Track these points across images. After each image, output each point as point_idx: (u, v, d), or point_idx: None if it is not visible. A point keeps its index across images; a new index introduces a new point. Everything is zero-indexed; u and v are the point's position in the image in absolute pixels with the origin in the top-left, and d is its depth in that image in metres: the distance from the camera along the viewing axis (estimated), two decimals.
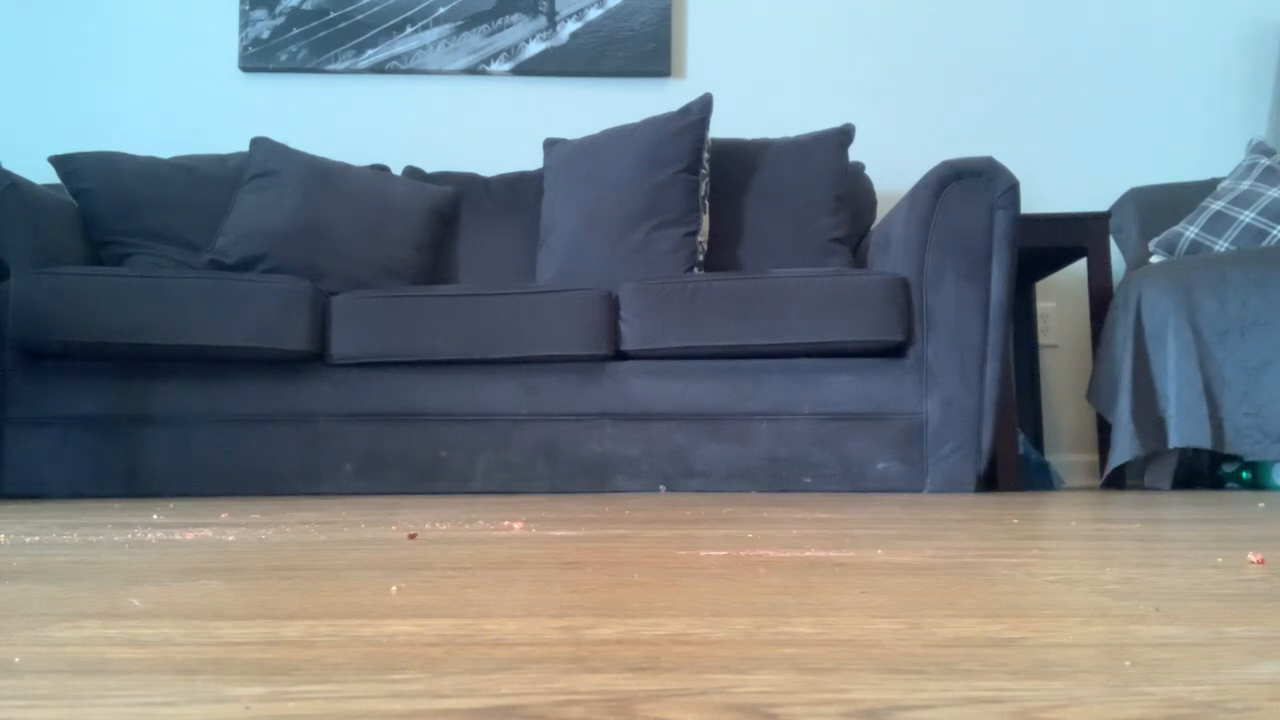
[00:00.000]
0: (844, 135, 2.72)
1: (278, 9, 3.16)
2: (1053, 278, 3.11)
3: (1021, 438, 2.65)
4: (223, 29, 3.20)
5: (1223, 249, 2.54)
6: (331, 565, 0.79)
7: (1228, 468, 2.44)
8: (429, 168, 3.11)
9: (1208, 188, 2.84)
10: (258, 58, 3.15)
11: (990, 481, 2.34)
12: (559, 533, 1.11)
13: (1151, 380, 2.37)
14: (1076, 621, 0.51)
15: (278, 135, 3.14)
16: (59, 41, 3.18)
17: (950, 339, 2.17)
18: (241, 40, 3.15)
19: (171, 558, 0.86)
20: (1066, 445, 3.08)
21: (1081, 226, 2.61)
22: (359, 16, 3.17)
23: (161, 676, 0.39)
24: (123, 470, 2.21)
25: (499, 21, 3.18)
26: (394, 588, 0.65)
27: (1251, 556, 0.82)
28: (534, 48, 3.17)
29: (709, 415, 2.23)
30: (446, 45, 3.17)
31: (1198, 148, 3.17)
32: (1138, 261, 2.82)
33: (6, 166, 2.93)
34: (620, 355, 2.28)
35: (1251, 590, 0.63)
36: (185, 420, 2.23)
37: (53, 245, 2.37)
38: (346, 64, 3.16)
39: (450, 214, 2.81)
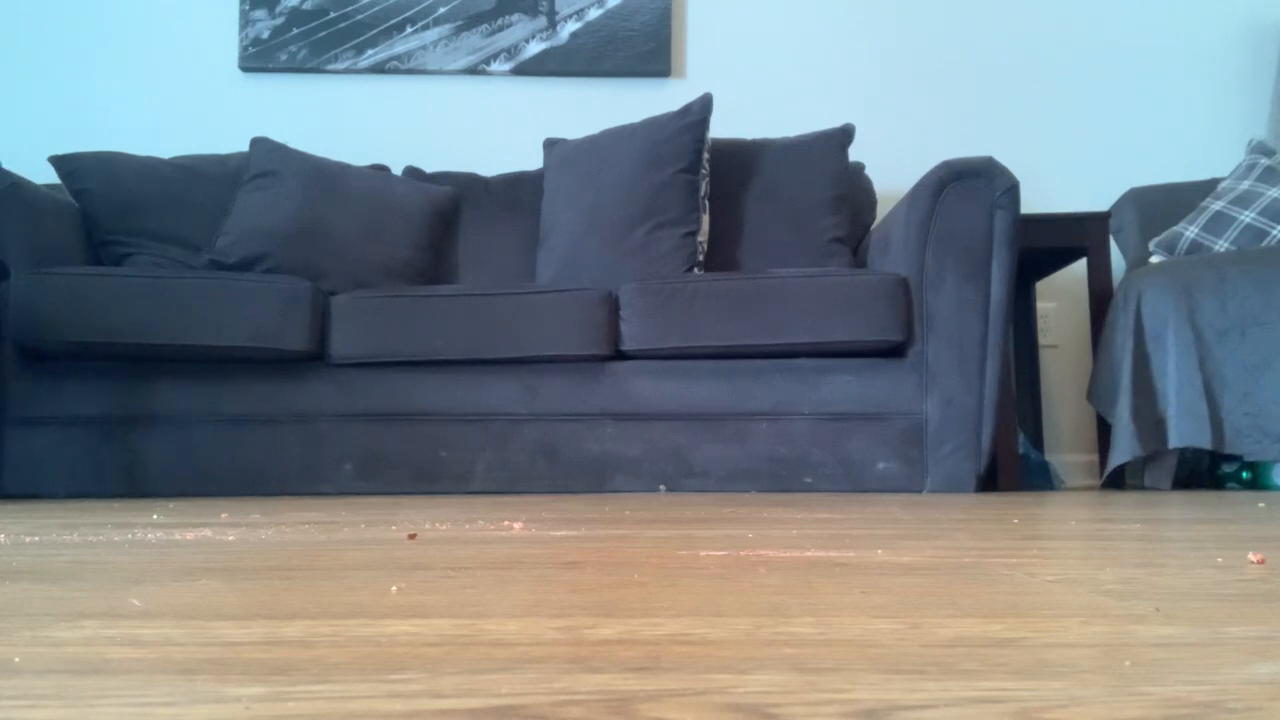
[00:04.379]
0: (844, 135, 2.72)
1: (278, 9, 3.16)
2: (1053, 278, 3.11)
3: (1021, 438, 2.65)
4: (223, 29, 3.20)
5: (1223, 249, 2.54)
6: (331, 565, 0.79)
7: (1228, 468, 2.44)
8: (429, 168, 3.11)
9: (1208, 188, 2.84)
10: (258, 58, 3.15)
11: (990, 481, 2.34)
12: (559, 533, 1.11)
13: (1151, 380, 2.37)
14: (1076, 621, 0.51)
15: (278, 135, 3.14)
16: (59, 41, 3.18)
17: (950, 339, 2.17)
18: (241, 40, 3.15)
19: (171, 558, 0.86)
20: (1066, 445, 3.08)
21: (1081, 226, 2.61)
22: (359, 16, 3.17)
23: (161, 676, 0.39)
24: (123, 470, 2.21)
25: (499, 21, 3.18)
26: (394, 588, 0.65)
27: (1251, 556, 0.82)
28: (534, 48, 3.17)
29: (709, 415, 2.23)
30: (446, 45, 3.17)
31: (1198, 148, 3.17)
32: (1138, 261, 2.82)
33: (6, 166, 2.93)
34: (620, 355, 2.28)
35: (1251, 590, 0.63)
36: (185, 420, 2.23)
37: (53, 245, 2.37)
38: (346, 64, 3.16)
39: (450, 214, 2.81)
